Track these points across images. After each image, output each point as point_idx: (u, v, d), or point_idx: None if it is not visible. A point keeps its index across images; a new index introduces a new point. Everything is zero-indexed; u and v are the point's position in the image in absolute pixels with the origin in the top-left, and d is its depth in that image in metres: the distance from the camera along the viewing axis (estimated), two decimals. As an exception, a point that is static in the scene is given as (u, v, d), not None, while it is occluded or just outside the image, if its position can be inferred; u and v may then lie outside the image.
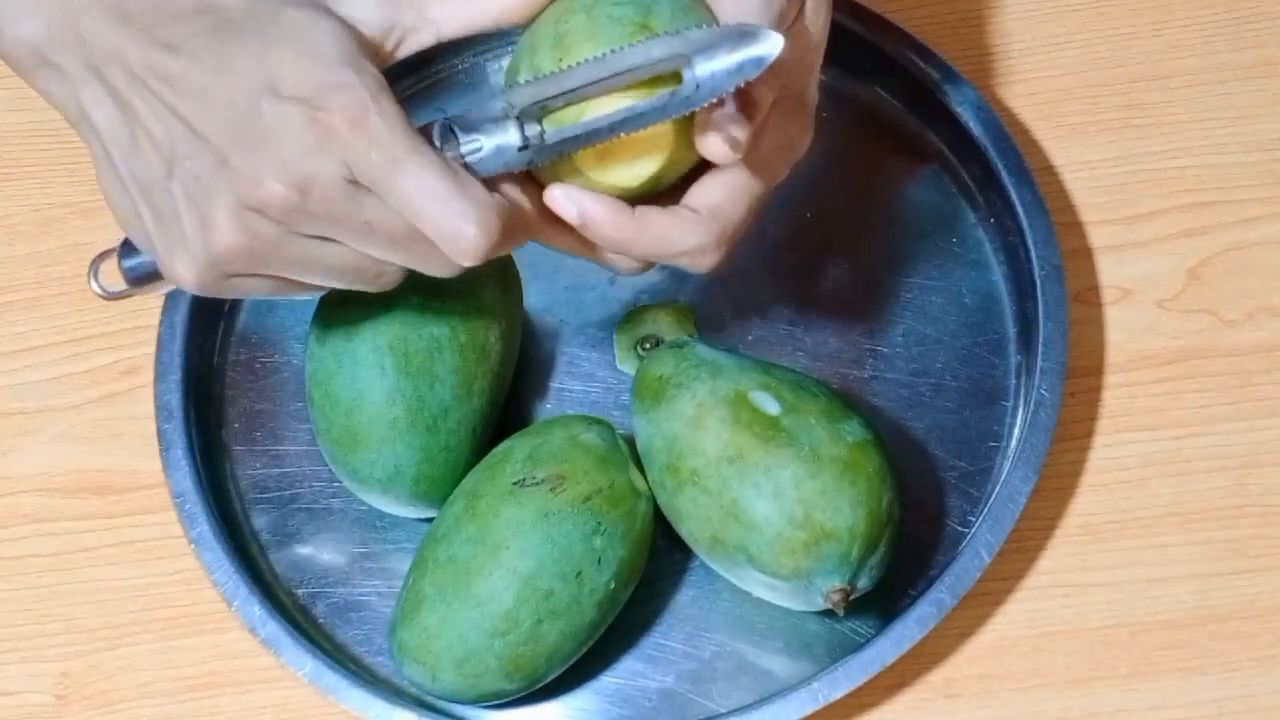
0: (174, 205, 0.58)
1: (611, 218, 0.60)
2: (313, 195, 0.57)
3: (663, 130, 0.58)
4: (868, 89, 0.82)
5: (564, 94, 0.58)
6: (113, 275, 0.64)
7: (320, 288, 0.62)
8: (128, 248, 0.63)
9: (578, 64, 0.57)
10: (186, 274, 0.59)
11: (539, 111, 0.58)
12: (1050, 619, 0.72)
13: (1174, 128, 0.81)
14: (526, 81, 0.59)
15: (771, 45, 0.55)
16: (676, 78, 0.57)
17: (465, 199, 0.57)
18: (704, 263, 0.61)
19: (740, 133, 0.58)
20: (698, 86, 0.56)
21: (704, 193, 0.61)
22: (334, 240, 0.59)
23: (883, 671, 0.67)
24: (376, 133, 0.56)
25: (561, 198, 0.60)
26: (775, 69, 0.56)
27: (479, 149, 0.58)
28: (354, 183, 0.57)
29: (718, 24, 0.58)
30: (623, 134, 0.58)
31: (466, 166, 0.58)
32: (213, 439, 0.76)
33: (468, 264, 0.58)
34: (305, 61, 0.56)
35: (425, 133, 0.58)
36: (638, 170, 0.60)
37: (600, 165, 0.60)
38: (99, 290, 0.64)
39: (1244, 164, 0.80)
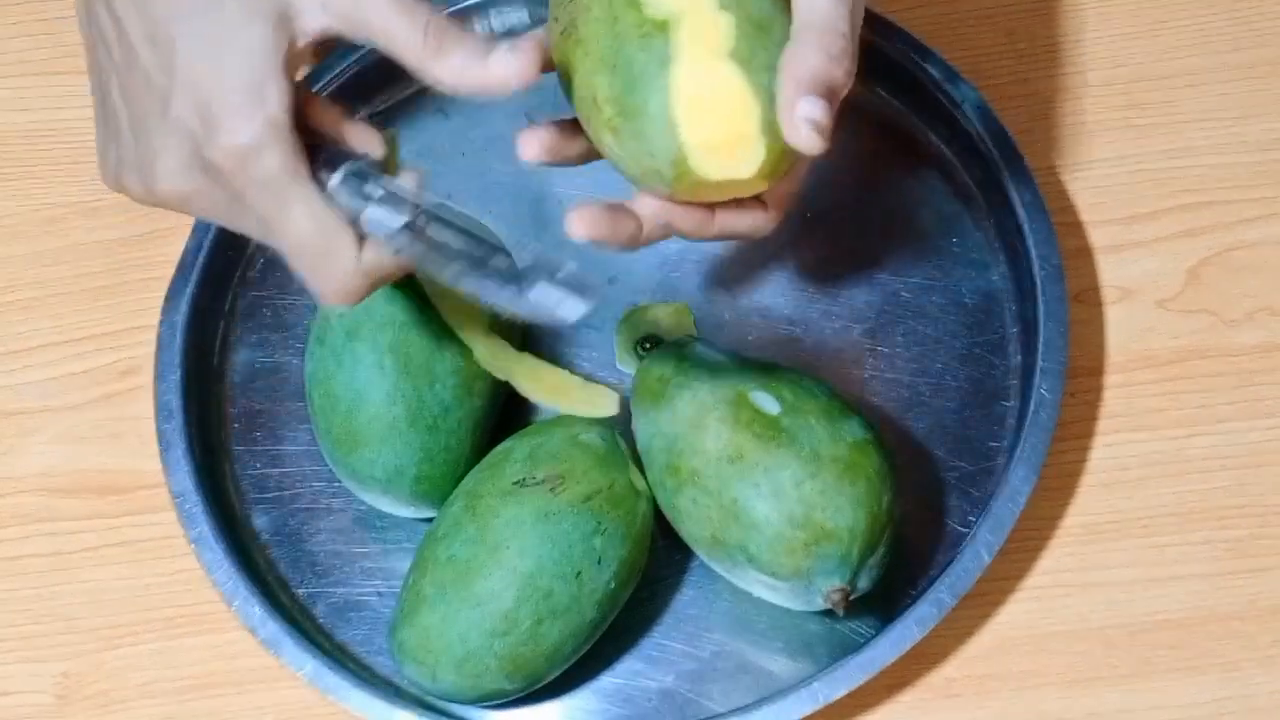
0: (118, 123, 0.61)
1: (693, 222, 0.63)
2: (193, 204, 0.60)
3: (752, 129, 0.60)
4: (868, 89, 0.82)
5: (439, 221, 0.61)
6: None
7: None
8: None
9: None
10: (138, 190, 0.62)
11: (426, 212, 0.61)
12: (1050, 619, 0.72)
13: (1174, 128, 0.81)
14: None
15: (576, 313, 0.59)
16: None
17: (326, 252, 0.60)
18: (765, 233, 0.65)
19: (825, 118, 0.59)
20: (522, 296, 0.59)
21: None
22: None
23: (883, 671, 0.67)
24: (255, 179, 0.58)
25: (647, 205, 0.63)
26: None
27: (377, 204, 0.60)
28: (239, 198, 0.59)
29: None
30: (458, 286, 0.60)
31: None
32: (213, 439, 0.76)
33: (327, 303, 0.62)
34: (212, 82, 0.57)
35: (329, 160, 0.60)
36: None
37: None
38: None
39: (1244, 164, 0.80)
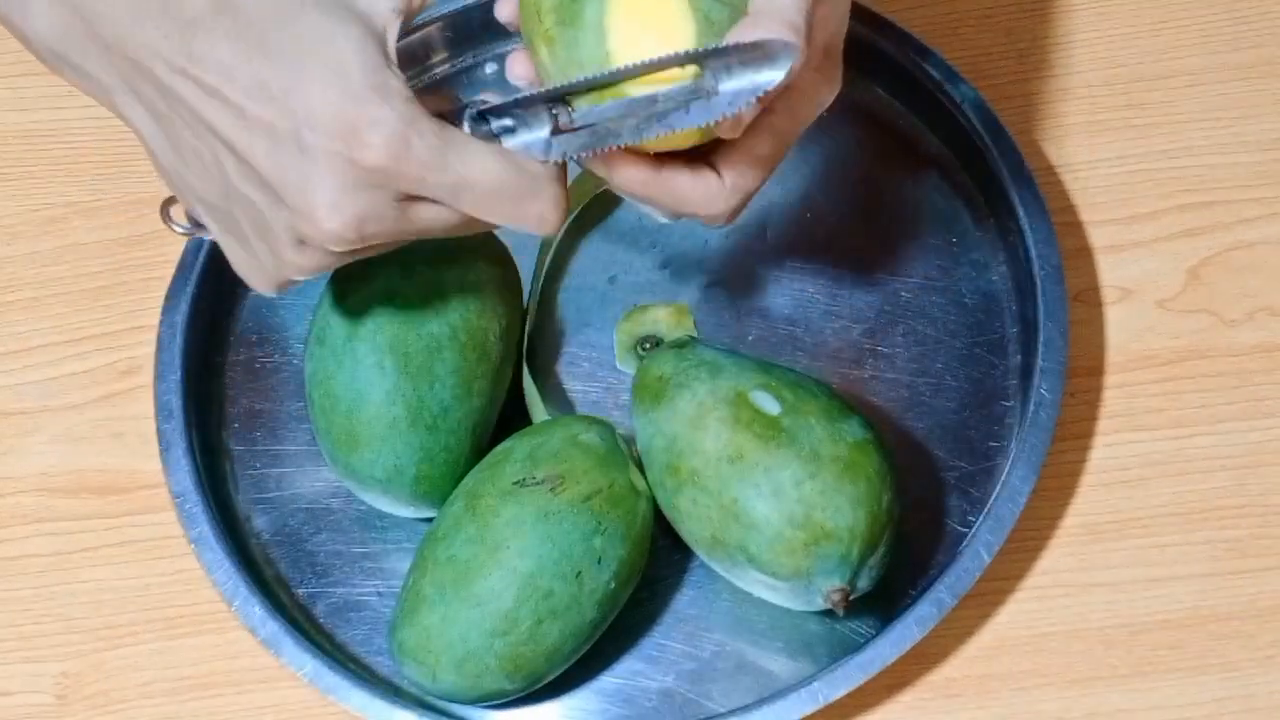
0: (239, 227, 0.60)
1: (639, 174, 0.61)
2: (367, 226, 0.58)
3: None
4: (868, 89, 0.82)
5: (590, 82, 0.58)
6: (183, 216, 0.66)
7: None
8: None
9: (611, 69, 0.58)
10: (263, 288, 0.63)
11: (564, 97, 0.59)
12: (1050, 619, 0.72)
13: (1174, 128, 0.81)
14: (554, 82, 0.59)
15: (787, 69, 0.56)
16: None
17: (528, 184, 0.58)
18: (718, 221, 0.63)
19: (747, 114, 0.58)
20: (718, 104, 0.57)
21: (730, 157, 0.61)
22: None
23: (883, 671, 0.67)
24: (423, 160, 0.57)
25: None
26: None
27: (512, 133, 0.59)
28: (406, 197, 0.58)
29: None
30: (645, 136, 0.58)
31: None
32: (213, 439, 0.76)
33: (549, 234, 0.60)
34: (334, 95, 0.56)
35: (451, 119, 0.59)
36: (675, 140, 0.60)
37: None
38: (179, 229, 0.67)
39: (1244, 164, 0.80)
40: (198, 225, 0.65)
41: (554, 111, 0.58)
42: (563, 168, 0.60)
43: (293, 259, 0.60)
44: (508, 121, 0.59)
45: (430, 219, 0.59)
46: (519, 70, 0.62)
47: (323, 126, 0.56)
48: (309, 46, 0.57)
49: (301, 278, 0.61)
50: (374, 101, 0.56)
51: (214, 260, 0.78)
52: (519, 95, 0.59)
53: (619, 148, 0.59)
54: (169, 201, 0.66)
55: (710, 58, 0.56)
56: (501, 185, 0.58)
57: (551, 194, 0.59)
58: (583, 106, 0.58)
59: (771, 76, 0.56)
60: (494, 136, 0.59)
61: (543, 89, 0.58)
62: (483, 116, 0.59)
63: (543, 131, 0.59)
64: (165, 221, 0.66)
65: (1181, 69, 0.82)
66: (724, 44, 0.57)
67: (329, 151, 0.56)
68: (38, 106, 0.85)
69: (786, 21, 0.57)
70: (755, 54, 0.56)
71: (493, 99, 0.59)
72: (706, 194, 0.61)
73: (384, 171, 0.56)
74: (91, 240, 0.82)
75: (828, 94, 0.62)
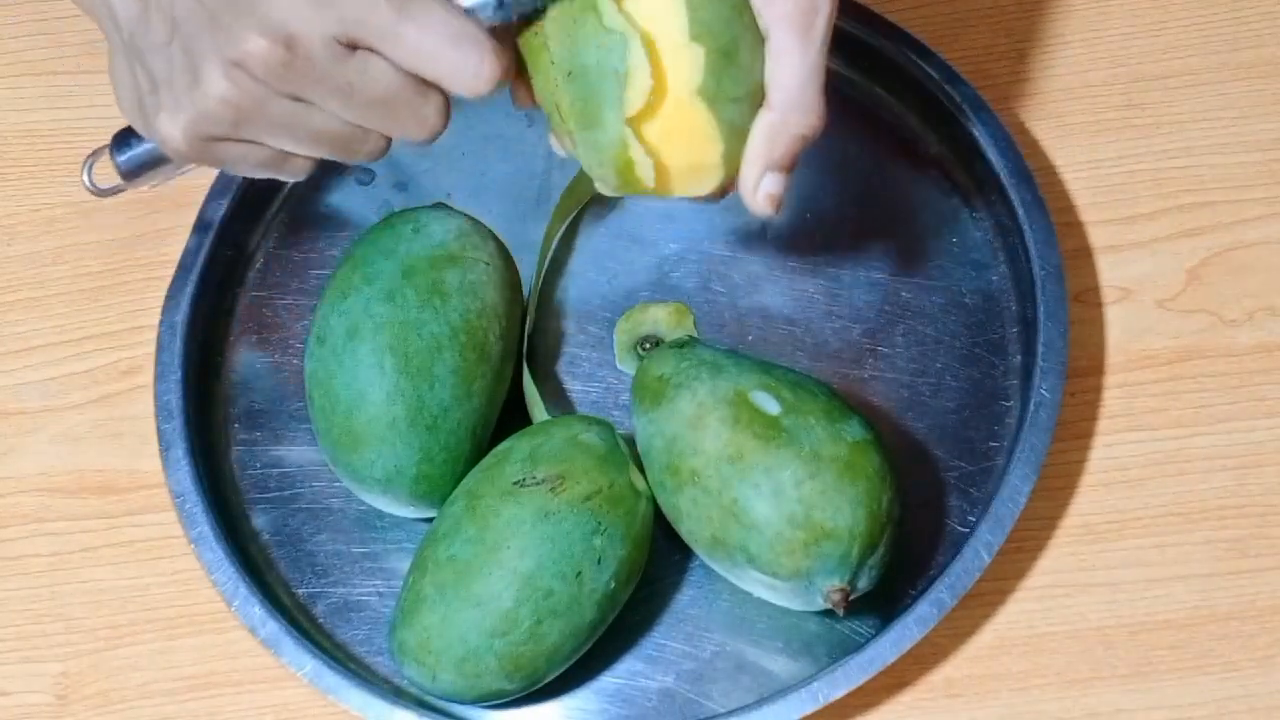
0: (170, 66, 0.61)
1: None
2: (297, 53, 0.58)
3: (712, 161, 0.62)
4: (868, 89, 0.82)
5: None
6: (105, 172, 0.67)
7: (307, 161, 0.64)
8: (119, 141, 0.67)
9: None
10: (174, 131, 0.62)
11: None
12: (1050, 619, 0.72)
13: (1174, 128, 0.81)
14: None
15: None
16: None
17: (473, 32, 0.59)
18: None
19: (781, 190, 0.64)
20: None
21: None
22: (315, 105, 0.60)
23: (883, 671, 0.67)
24: None
25: None
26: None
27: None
28: (340, 44, 0.58)
29: None
30: None
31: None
32: (213, 439, 0.76)
33: (483, 92, 0.60)
34: None
35: None
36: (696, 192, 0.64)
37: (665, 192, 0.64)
38: (90, 186, 0.69)
39: (1244, 164, 0.80)
40: (130, 171, 0.67)
41: None
42: (507, 34, 0.61)
43: (216, 84, 0.59)
44: None
45: (362, 72, 0.59)
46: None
47: None
48: None
49: (219, 120, 0.61)
50: None
51: (214, 260, 0.78)
52: None
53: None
54: (93, 155, 0.69)
55: None
56: (445, 22, 0.58)
57: (493, 47, 0.59)
58: None
59: None
60: None
61: None
62: None
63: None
64: (84, 175, 0.69)
65: (1181, 69, 0.82)
66: None
67: None
68: (38, 106, 0.85)
69: (808, 108, 0.62)
70: None
71: None
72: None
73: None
74: (91, 240, 0.82)
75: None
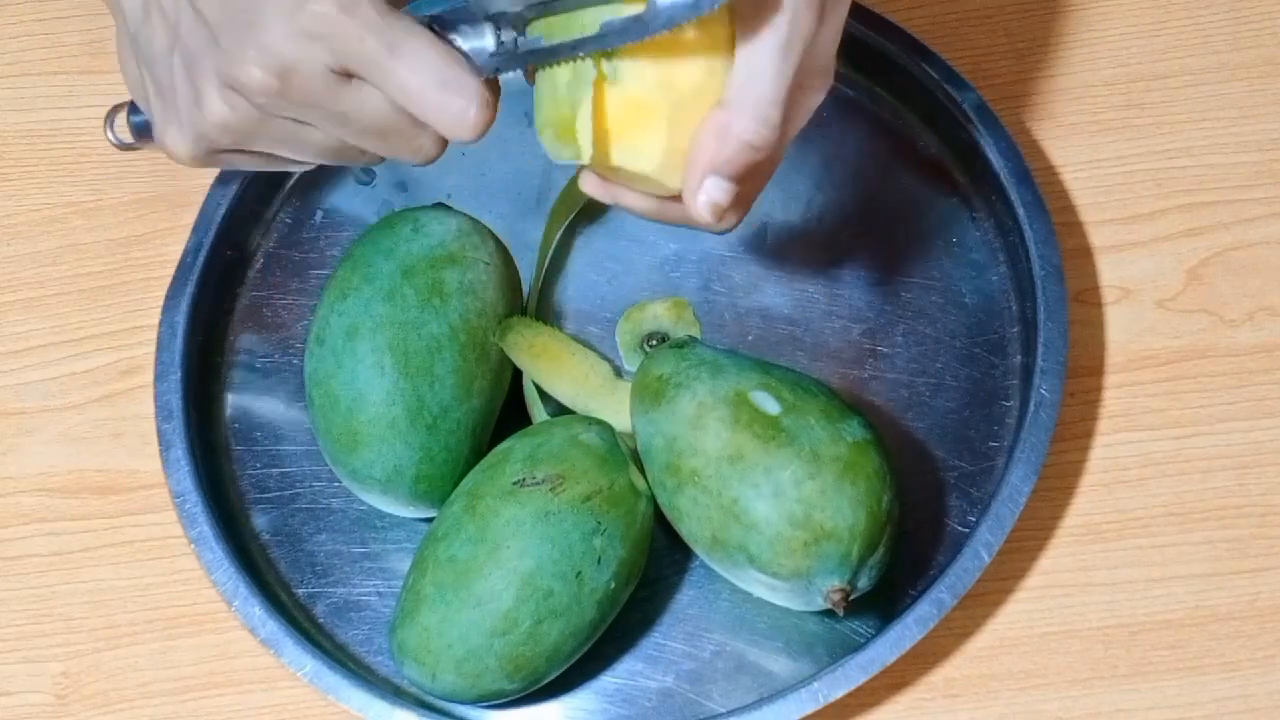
0: (172, 78, 0.61)
1: (641, 203, 0.64)
2: (292, 82, 0.58)
3: (657, 147, 0.60)
4: (868, 89, 0.82)
5: (539, 4, 0.59)
6: (125, 128, 0.68)
7: (309, 164, 0.64)
8: (134, 104, 0.68)
9: None
10: (177, 144, 0.62)
11: (513, 20, 0.59)
12: (1050, 619, 0.72)
13: (1174, 128, 0.81)
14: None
15: None
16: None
17: (461, 75, 0.58)
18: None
19: (726, 199, 0.60)
20: (658, 15, 0.57)
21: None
22: (312, 125, 0.61)
23: (883, 671, 0.67)
24: (369, 20, 0.57)
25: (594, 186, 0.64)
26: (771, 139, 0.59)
27: (454, 35, 0.60)
28: (336, 73, 0.58)
29: None
30: (579, 52, 0.59)
31: None
32: (213, 439, 0.76)
33: (467, 139, 0.59)
34: None
35: None
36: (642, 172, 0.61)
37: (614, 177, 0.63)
38: (114, 140, 0.69)
39: (1244, 164, 0.80)
40: (140, 135, 0.68)
41: (500, 33, 0.59)
42: (496, 83, 0.60)
43: (217, 107, 0.60)
44: (454, 37, 0.59)
45: (358, 102, 0.59)
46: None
47: None
48: None
49: (221, 138, 0.61)
50: None
51: (214, 260, 0.78)
52: (466, 7, 0.60)
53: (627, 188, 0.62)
54: (114, 110, 0.69)
55: None
56: (436, 66, 0.58)
57: (480, 93, 0.59)
58: (534, 34, 0.59)
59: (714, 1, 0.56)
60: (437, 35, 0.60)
61: (493, 9, 0.60)
62: (430, 27, 0.59)
63: (485, 42, 0.59)
64: (106, 130, 0.69)
65: (1181, 69, 0.82)
66: None
67: (279, 4, 0.57)
68: (37, 106, 0.85)
69: (761, 117, 0.58)
70: None
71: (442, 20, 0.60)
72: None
73: (329, 20, 0.57)
74: (91, 240, 0.82)
75: (817, 101, 0.62)
